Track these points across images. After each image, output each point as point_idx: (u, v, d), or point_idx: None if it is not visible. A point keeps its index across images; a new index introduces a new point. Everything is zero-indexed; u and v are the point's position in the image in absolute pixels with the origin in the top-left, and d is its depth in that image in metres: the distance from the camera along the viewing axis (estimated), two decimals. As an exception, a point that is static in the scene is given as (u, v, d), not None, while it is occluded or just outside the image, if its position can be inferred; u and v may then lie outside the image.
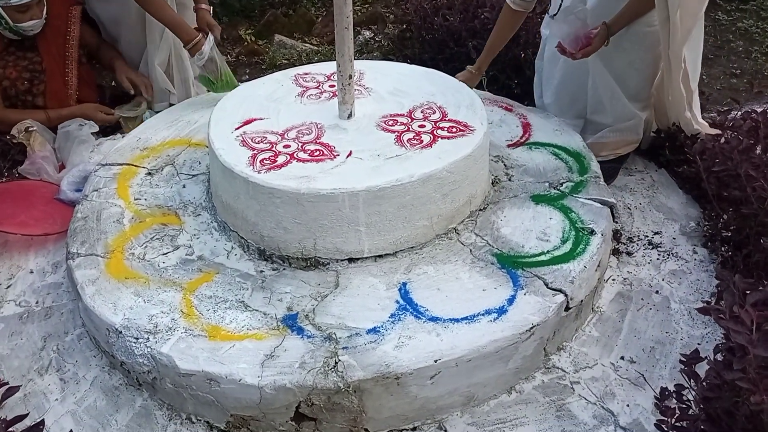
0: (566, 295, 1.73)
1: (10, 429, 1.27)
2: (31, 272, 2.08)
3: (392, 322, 1.64)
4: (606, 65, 2.29)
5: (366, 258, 1.83)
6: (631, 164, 2.50)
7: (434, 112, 2.06)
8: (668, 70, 2.20)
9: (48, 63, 2.58)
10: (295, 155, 1.85)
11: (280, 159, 1.84)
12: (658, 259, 2.12)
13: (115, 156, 2.28)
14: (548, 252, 1.85)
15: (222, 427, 1.61)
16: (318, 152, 1.87)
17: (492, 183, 2.12)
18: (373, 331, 1.62)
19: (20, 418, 1.26)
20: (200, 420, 1.63)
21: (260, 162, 1.82)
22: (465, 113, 2.05)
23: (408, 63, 2.51)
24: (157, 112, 2.60)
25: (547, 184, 2.11)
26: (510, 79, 2.93)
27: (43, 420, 1.27)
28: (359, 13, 4.20)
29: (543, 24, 2.56)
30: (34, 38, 2.55)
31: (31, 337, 1.86)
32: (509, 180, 2.14)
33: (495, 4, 2.95)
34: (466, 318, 1.65)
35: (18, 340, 1.85)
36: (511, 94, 2.81)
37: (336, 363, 1.54)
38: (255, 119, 2.03)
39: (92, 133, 2.57)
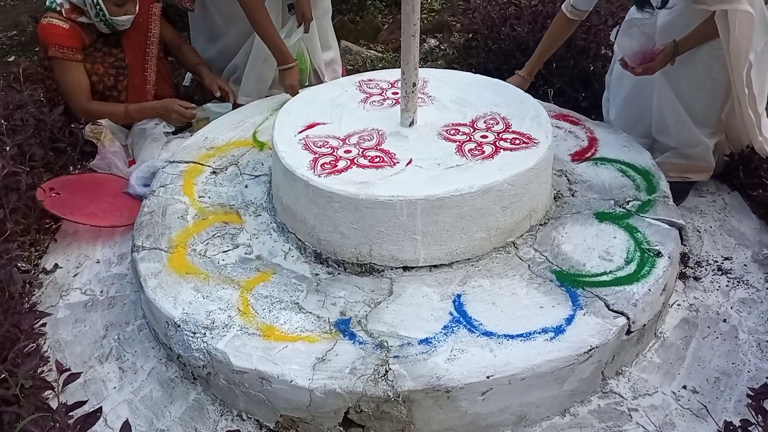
0: (628, 318, 1.67)
1: (69, 414, 1.32)
2: (98, 262, 2.16)
3: (445, 334, 1.62)
4: (672, 87, 2.20)
5: (421, 267, 1.81)
6: (703, 186, 2.40)
7: (498, 123, 2.03)
8: (736, 95, 2.11)
9: (130, 59, 2.69)
10: (355, 161, 1.86)
11: (341, 164, 1.85)
12: (727, 285, 2.03)
13: (182, 154, 2.35)
14: (611, 272, 1.79)
15: (271, 427, 1.62)
16: (378, 159, 1.87)
17: (554, 198, 2.07)
18: (426, 341, 1.60)
19: (80, 405, 1.30)
20: (251, 418, 1.65)
21: (321, 166, 1.84)
22: (529, 125, 2.01)
23: (473, 72, 2.49)
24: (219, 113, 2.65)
25: (612, 201, 2.05)
26: (577, 92, 2.86)
27: (101, 407, 1.31)
28: (425, 21, 4.19)
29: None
30: (118, 34, 2.67)
31: (94, 325, 1.92)
32: (572, 195, 2.09)
33: (565, 15, 2.88)
34: (521, 335, 1.61)
35: (81, 327, 1.92)
36: (578, 107, 2.74)
37: (387, 371, 1.53)
38: (318, 123, 2.05)
39: (164, 132, 2.66)
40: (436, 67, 3.32)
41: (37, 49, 3.68)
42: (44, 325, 1.84)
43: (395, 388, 1.50)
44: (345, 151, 1.91)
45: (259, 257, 1.89)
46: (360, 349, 1.59)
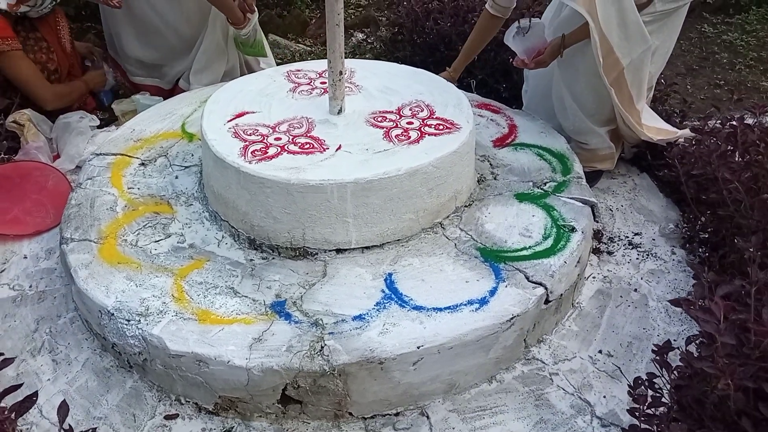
0: (546, 288, 1.79)
1: (3, 400, 1.31)
2: (25, 257, 2.11)
3: (377, 310, 1.70)
4: (564, 82, 2.37)
5: (353, 249, 1.88)
6: (614, 168, 2.57)
7: (422, 110, 2.12)
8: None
9: (50, 39, 2.65)
10: (285, 147, 1.91)
11: (271, 150, 1.89)
12: (637, 258, 2.19)
13: (109, 146, 2.32)
14: (530, 247, 1.91)
15: (210, 409, 1.65)
16: (308, 145, 1.92)
17: (478, 181, 2.18)
18: (359, 318, 1.67)
19: (15, 388, 1.30)
20: (189, 401, 1.67)
21: (252, 153, 1.87)
22: (452, 112, 2.11)
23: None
24: (148, 106, 2.65)
25: (531, 183, 2.18)
26: (498, 83, 3.00)
27: (36, 392, 1.30)
28: (352, 16, 4.26)
29: None
30: (31, 19, 2.61)
31: (24, 320, 1.89)
32: (494, 179, 2.21)
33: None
34: (448, 307, 1.70)
35: (11, 322, 1.88)
36: (500, 97, 2.88)
37: (322, 347, 1.59)
38: (247, 112, 2.08)
39: (90, 126, 2.62)
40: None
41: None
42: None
43: (331, 363, 1.56)
44: (275, 138, 1.95)
45: (192, 246, 1.91)
46: (296, 328, 1.64)
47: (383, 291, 1.76)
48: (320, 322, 1.66)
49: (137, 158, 2.26)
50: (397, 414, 1.67)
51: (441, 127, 2.03)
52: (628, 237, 2.29)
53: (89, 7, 3.46)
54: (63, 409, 1.24)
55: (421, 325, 1.65)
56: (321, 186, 1.77)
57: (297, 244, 1.86)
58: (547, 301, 1.80)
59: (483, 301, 1.72)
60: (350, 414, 1.64)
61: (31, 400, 1.27)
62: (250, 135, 1.96)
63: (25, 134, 2.48)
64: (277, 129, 2.00)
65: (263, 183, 1.79)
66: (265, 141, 1.93)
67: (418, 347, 1.60)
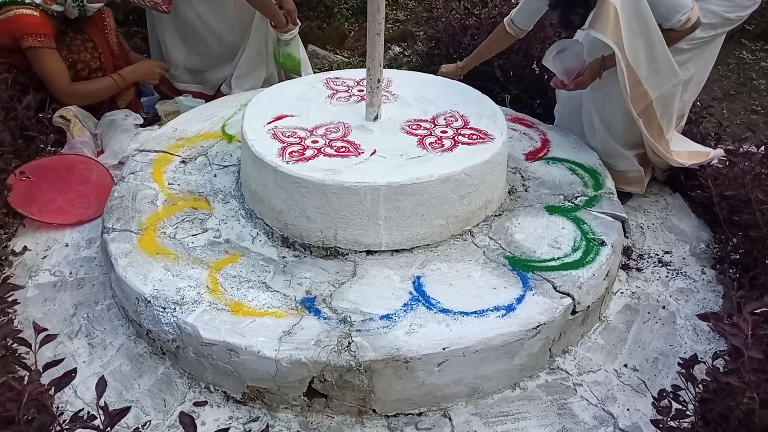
0: (573, 299, 1.80)
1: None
2: (66, 246, 2.19)
3: (404, 311, 1.73)
4: (596, 106, 2.38)
5: (383, 251, 1.92)
6: (647, 186, 2.57)
7: (456, 120, 2.16)
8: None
9: (97, 40, 2.76)
10: (322, 150, 1.96)
11: (308, 152, 1.94)
12: (667, 276, 2.19)
13: (152, 143, 2.41)
14: (559, 258, 1.93)
15: (238, 398, 1.69)
16: (344, 149, 1.97)
17: (509, 192, 2.21)
18: (386, 317, 1.70)
19: (56, 363, 1.35)
20: (218, 390, 1.71)
21: (289, 154, 1.93)
22: (486, 123, 2.14)
23: (435, 77, 2.62)
24: (190, 107, 2.74)
25: (562, 196, 2.19)
26: (533, 99, 3.03)
27: (75, 369, 1.35)
28: (390, 31, 4.34)
29: None
30: (79, 20, 2.72)
31: (63, 304, 1.96)
32: (525, 191, 2.23)
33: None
34: (475, 312, 1.73)
35: (51, 306, 1.95)
36: (534, 113, 2.90)
37: (349, 343, 1.62)
38: (286, 116, 2.14)
39: (135, 124, 2.71)
40: (400, 73, 3.45)
41: None
42: (16, 301, 1.86)
43: (357, 359, 1.59)
44: (312, 141, 2.00)
45: (227, 241, 1.97)
46: (324, 324, 1.68)
47: (411, 293, 1.79)
48: (348, 319, 1.69)
49: (178, 156, 2.34)
50: (419, 414, 1.69)
51: (474, 137, 2.07)
52: (658, 255, 2.28)
53: (137, 12, 3.59)
54: (101, 385, 1.30)
55: (447, 328, 1.68)
56: (355, 188, 1.82)
57: (329, 244, 1.91)
58: (573, 312, 1.81)
59: (510, 308, 1.74)
60: (374, 411, 1.67)
61: (69, 376, 1.33)
62: (288, 137, 2.02)
63: (71, 129, 2.58)
64: (314, 132, 2.06)
65: (299, 183, 1.84)
66: (302, 143, 1.99)
67: (444, 348, 1.62)
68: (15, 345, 1.49)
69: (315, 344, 1.62)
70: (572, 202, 2.17)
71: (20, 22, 2.53)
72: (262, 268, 1.87)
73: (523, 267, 1.88)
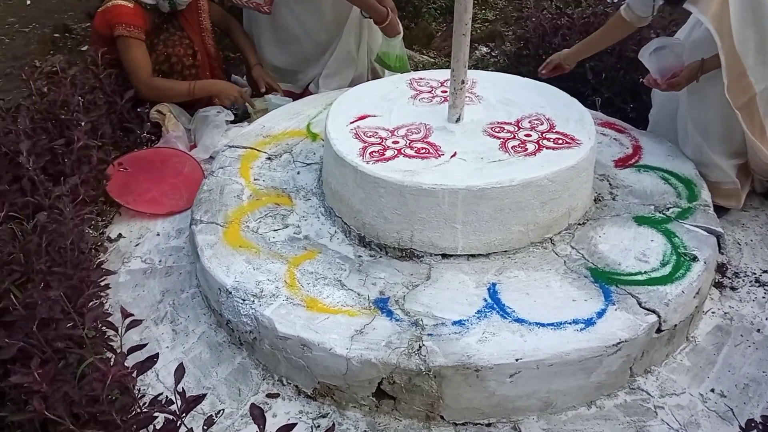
0: (659, 317, 1.71)
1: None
2: (158, 235, 2.31)
3: (478, 318, 1.70)
4: (692, 112, 2.24)
5: (459, 255, 1.89)
6: (747, 200, 2.40)
7: (542, 123, 2.10)
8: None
9: (195, 40, 2.88)
10: (402, 151, 1.96)
11: (388, 153, 1.95)
12: (764, 297, 2.04)
13: (240, 140, 2.49)
14: (645, 272, 1.83)
15: (308, 393, 1.72)
16: (424, 150, 1.96)
17: (594, 200, 2.12)
18: (459, 323, 1.68)
19: (139, 347, 1.42)
20: (290, 383, 1.75)
21: (370, 154, 1.94)
22: (573, 127, 2.07)
23: (522, 78, 2.56)
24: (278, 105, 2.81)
25: (652, 207, 2.09)
26: (626, 104, 2.90)
27: (157, 354, 1.42)
28: (478, 31, 4.28)
29: None
30: (176, 16, 2.84)
31: (152, 291, 2.07)
32: (613, 199, 2.14)
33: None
34: (552, 324, 1.67)
35: (140, 292, 2.06)
36: (626, 118, 2.78)
37: (420, 347, 1.61)
38: (369, 116, 2.15)
39: (226, 120, 2.82)
40: (486, 74, 3.40)
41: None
42: (108, 286, 1.98)
43: (427, 363, 1.58)
44: (393, 142, 2.01)
45: (306, 237, 2.01)
46: (396, 326, 1.68)
47: (485, 300, 1.76)
48: (420, 322, 1.68)
49: (264, 152, 2.40)
50: (488, 425, 1.66)
51: (560, 141, 2.00)
52: (755, 274, 2.13)
53: (232, 11, 3.72)
54: (179, 372, 1.35)
55: (521, 338, 1.63)
56: (433, 190, 1.80)
57: (404, 245, 1.90)
58: (659, 330, 1.72)
59: (589, 322, 1.67)
60: (441, 417, 1.65)
61: (152, 360, 1.40)
62: (369, 137, 2.03)
63: (165, 124, 2.71)
64: (395, 133, 2.06)
65: (377, 183, 1.85)
66: (383, 143, 2.00)
67: (516, 359, 1.58)
68: (104, 328, 1.58)
69: (386, 345, 1.62)
70: (663, 214, 2.06)
71: (115, 11, 2.67)
72: (338, 265, 1.89)
73: (606, 279, 1.81)
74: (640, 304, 1.73)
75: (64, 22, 4.53)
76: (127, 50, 2.70)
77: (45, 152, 2.14)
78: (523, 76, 3.09)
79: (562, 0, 3.56)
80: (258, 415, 1.23)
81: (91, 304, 1.69)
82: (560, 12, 3.24)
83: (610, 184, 2.20)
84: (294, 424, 1.26)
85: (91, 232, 2.20)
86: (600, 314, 1.69)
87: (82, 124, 2.28)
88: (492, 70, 3.52)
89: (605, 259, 1.88)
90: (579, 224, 2.02)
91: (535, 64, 3.21)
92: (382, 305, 1.74)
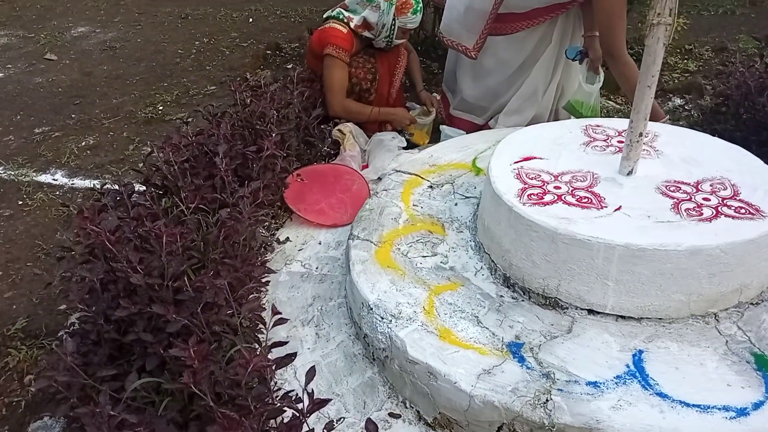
0: (832, 424, 1.49)
1: (271, 351, 1.58)
2: (320, 243, 2.48)
3: (616, 383, 1.60)
4: None
5: (607, 314, 1.80)
6: None
7: (725, 189, 1.94)
8: None
9: (381, 71, 3.15)
10: (562, 197, 1.92)
11: (547, 198, 1.92)
12: None
13: (407, 166, 2.60)
14: (825, 371, 1.61)
15: (429, 421, 1.74)
16: (586, 200, 1.91)
17: (776, 280, 1.91)
18: (594, 384, 1.60)
19: (281, 344, 1.55)
20: (413, 407, 1.78)
21: (528, 196, 1.93)
22: (761, 197, 1.89)
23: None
24: (450, 137, 2.89)
25: None
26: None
27: (295, 353, 1.54)
28: (676, 81, 4.04)
29: None
30: (377, 50, 3.13)
31: (305, 294, 2.22)
32: (799, 282, 1.90)
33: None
34: (698, 406, 1.53)
35: (295, 293, 2.23)
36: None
37: (547, 401, 1.56)
38: (535, 157, 2.14)
39: (398, 146, 2.97)
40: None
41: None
42: (268, 282, 2.18)
43: (552, 419, 1.53)
44: (555, 187, 1.97)
45: (452, 268, 2.04)
46: (526, 373, 1.64)
47: (628, 366, 1.65)
48: (552, 375, 1.63)
49: (427, 181, 2.49)
50: (611, 498, 1.56)
51: (743, 210, 1.84)
52: None
53: (423, 44, 3.90)
54: (310, 374, 1.45)
55: (660, 414, 1.51)
56: (588, 242, 1.74)
57: (549, 294, 1.86)
58: (828, 439, 1.49)
59: (742, 412, 1.50)
60: (561, 478, 1.58)
61: (290, 358, 1.51)
62: (531, 179, 2.02)
63: (344, 143, 2.92)
64: (559, 178, 2.02)
65: (530, 226, 1.83)
66: (544, 187, 1.97)
67: (651, 435, 1.47)
68: (256, 321, 1.74)
69: (512, 391, 1.59)
70: None
71: (330, 32, 3.01)
72: (478, 302, 1.89)
73: (772, 370, 1.62)
74: (809, 404, 1.52)
75: (277, 41, 5.05)
76: (331, 68, 3.00)
77: (238, 156, 2.41)
78: (717, 133, 2.87)
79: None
80: (372, 429, 1.28)
81: (250, 297, 1.88)
82: (770, 70, 2.96)
83: (799, 265, 1.96)
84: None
85: (263, 232, 2.43)
86: (757, 406, 1.52)
87: (273, 135, 2.54)
88: (683, 125, 3.31)
89: (776, 347, 1.68)
90: (752, 304, 1.83)
91: (734, 122, 2.96)
92: (515, 350, 1.72)
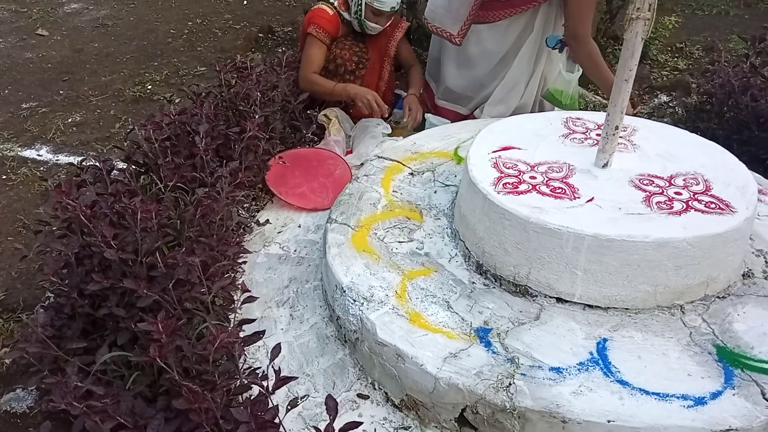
0: (786, 415, 1.52)
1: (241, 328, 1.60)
2: (299, 226, 2.50)
3: (578, 370, 1.64)
4: None
5: (575, 303, 1.83)
6: None
7: (698, 184, 1.97)
8: None
9: (371, 57, 3.12)
10: (537, 187, 1.94)
11: (522, 187, 1.94)
12: None
13: (390, 152, 2.61)
14: (783, 364, 1.65)
15: (396, 402, 1.77)
16: (560, 190, 1.93)
17: (743, 275, 1.94)
18: (556, 370, 1.63)
19: (250, 321, 1.58)
20: (381, 389, 1.81)
21: (503, 185, 1.95)
22: (732, 193, 1.91)
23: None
24: (435, 125, 2.91)
25: (813, 295, 1.86)
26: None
27: (263, 331, 1.56)
28: (665, 78, 4.06)
29: None
30: (366, 35, 3.11)
31: (281, 276, 2.25)
32: (765, 278, 1.94)
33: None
34: (657, 394, 1.57)
35: (272, 275, 2.25)
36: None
37: (510, 384, 1.59)
38: (513, 147, 2.16)
39: (382, 133, 2.97)
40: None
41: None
42: (244, 262, 2.20)
43: (513, 402, 1.56)
44: (530, 177, 2.00)
45: (427, 254, 2.06)
46: (491, 358, 1.67)
47: (591, 353, 1.69)
48: (516, 360, 1.66)
49: (408, 168, 2.50)
50: (568, 481, 1.59)
51: (713, 205, 1.87)
52: None
53: (416, 32, 3.90)
54: (275, 351, 1.48)
55: (620, 401, 1.55)
56: (558, 231, 1.77)
57: (520, 281, 1.89)
58: (781, 429, 1.53)
59: (700, 401, 1.54)
60: (520, 459, 1.62)
61: (257, 335, 1.54)
62: (508, 168, 2.04)
63: (329, 128, 2.93)
64: (535, 168, 2.05)
65: (503, 214, 1.85)
66: (520, 177, 2.00)
67: (608, 421, 1.51)
68: (228, 299, 1.77)
69: (476, 374, 1.62)
70: (824, 306, 1.82)
71: (316, 13, 3.03)
72: (450, 287, 1.92)
73: (732, 361, 1.65)
74: (764, 394, 1.55)
75: (270, 24, 5.04)
76: (308, 47, 3.03)
77: (220, 136, 2.42)
78: (700, 131, 2.90)
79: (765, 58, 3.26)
80: (332, 406, 1.31)
81: (225, 276, 1.90)
82: (755, 70, 2.98)
83: (766, 261, 2.00)
84: (359, 423, 1.31)
85: (243, 213, 2.45)
86: (714, 395, 1.55)
87: (256, 116, 2.55)
88: (666, 121, 3.34)
89: (737, 339, 1.72)
90: (718, 297, 1.86)
91: (717, 121, 3.00)
92: (482, 335, 1.75)
